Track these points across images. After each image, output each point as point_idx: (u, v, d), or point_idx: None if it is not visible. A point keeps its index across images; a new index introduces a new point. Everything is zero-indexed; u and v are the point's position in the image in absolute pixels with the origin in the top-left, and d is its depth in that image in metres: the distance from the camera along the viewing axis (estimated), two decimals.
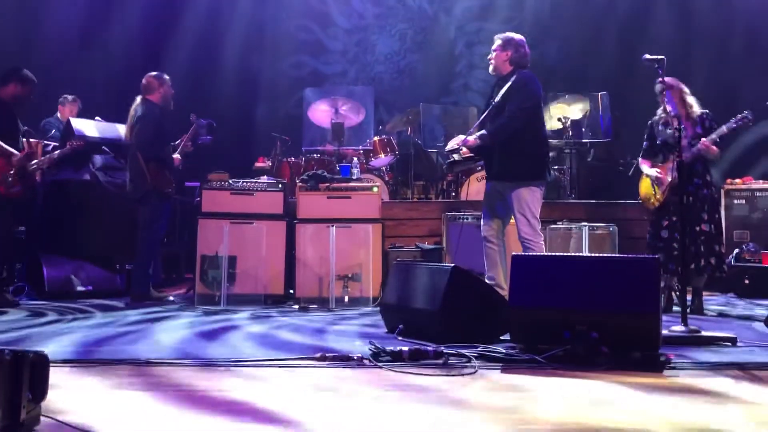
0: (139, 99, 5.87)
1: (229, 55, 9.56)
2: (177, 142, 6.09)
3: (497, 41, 4.92)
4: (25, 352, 2.00)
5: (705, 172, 5.06)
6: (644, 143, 5.32)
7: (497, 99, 4.81)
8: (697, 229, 4.94)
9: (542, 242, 4.84)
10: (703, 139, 4.90)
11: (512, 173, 4.75)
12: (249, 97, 9.63)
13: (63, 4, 8.66)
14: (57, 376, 2.47)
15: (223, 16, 9.60)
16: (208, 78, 9.31)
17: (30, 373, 2.01)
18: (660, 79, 4.43)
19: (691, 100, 5.09)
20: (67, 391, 2.58)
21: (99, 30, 8.81)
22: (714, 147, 4.89)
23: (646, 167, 5.24)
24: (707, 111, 5.10)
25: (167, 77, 5.98)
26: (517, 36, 4.95)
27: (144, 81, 5.91)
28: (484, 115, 4.93)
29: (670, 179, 5.00)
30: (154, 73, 5.95)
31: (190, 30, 9.30)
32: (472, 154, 4.88)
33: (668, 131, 5.03)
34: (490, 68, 4.97)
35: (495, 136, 4.75)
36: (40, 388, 2.06)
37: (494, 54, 4.91)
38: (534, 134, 4.80)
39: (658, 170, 5.14)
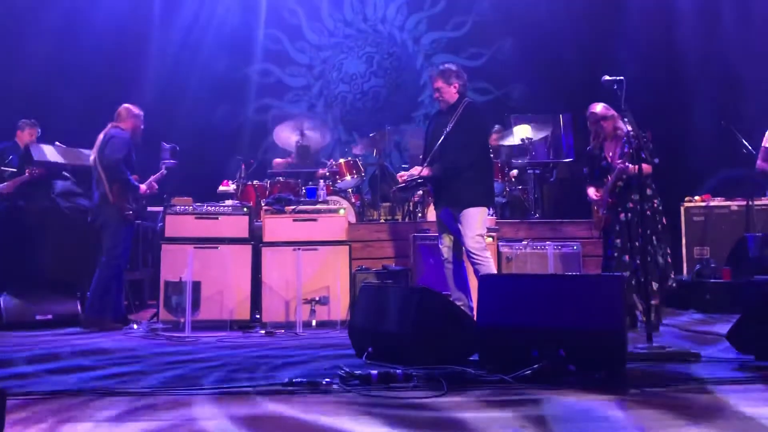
0: (110, 125, 5.91)
1: (195, 59, 9.44)
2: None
3: (438, 77, 5.08)
4: None
5: (643, 188, 4.94)
6: (584, 169, 5.46)
7: (449, 129, 4.98)
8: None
9: (490, 257, 4.98)
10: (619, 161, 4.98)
11: (464, 201, 4.95)
12: (211, 99, 9.50)
13: (30, 29, 8.51)
14: None
15: (195, 21, 9.52)
16: (173, 80, 9.17)
17: None
18: (622, 100, 4.45)
19: (617, 122, 5.08)
20: None
21: (61, 51, 8.65)
22: (630, 166, 4.75)
23: (590, 191, 5.34)
24: (633, 131, 4.63)
25: (141, 112, 6.04)
26: (453, 65, 5.19)
27: (119, 109, 5.98)
28: (438, 145, 5.01)
29: (609, 199, 5.17)
30: (129, 105, 6.01)
31: (158, 38, 9.28)
32: (420, 180, 5.18)
33: (600, 155, 5.28)
34: (441, 104, 5.16)
35: (449, 170, 4.98)
36: None
37: (442, 90, 5.08)
38: (482, 162, 5.05)
39: (596, 192, 5.27)
